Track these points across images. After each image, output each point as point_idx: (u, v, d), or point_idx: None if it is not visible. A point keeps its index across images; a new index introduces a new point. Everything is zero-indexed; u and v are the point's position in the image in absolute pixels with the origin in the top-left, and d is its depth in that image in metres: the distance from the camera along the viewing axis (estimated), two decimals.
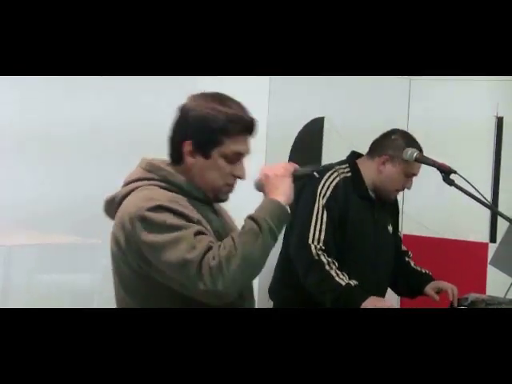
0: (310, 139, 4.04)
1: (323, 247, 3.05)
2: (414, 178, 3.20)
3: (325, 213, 3.10)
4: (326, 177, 3.16)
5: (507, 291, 3.38)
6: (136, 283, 2.05)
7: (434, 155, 3.06)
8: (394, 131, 3.19)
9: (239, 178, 2.11)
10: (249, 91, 2.81)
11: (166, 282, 1.98)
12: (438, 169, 2.92)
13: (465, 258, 3.90)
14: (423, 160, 3.04)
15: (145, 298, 2.05)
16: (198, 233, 1.97)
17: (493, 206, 3.53)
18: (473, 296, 3.21)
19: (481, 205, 2.85)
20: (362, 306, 2.93)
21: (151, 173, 2.11)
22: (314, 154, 4.04)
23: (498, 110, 3.88)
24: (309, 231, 3.08)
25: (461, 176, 2.82)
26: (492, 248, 3.87)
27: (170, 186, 2.08)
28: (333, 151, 4.04)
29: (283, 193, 2.03)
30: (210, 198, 2.14)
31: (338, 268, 3.02)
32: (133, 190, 2.07)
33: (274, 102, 3.74)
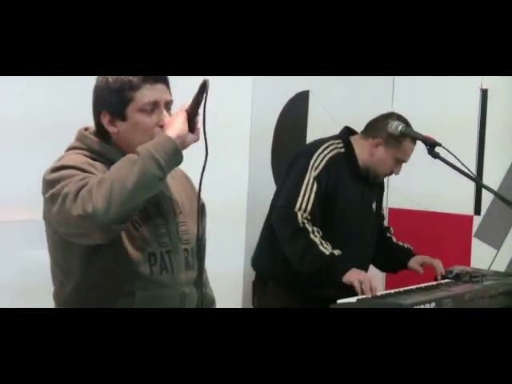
0: (295, 113, 4.03)
1: (309, 217, 3.06)
2: None
3: (315, 185, 3.11)
4: (320, 149, 3.17)
5: (491, 263, 3.40)
6: (57, 248, 2.08)
7: (418, 128, 3.07)
8: (390, 114, 3.19)
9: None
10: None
11: (62, 229, 2.00)
12: (422, 142, 2.94)
13: (450, 230, 3.92)
14: (408, 133, 3.06)
15: (62, 262, 2.08)
16: (87, 177, 1.96)
17: (477, 179, 3.55)
18: (457, 268, 3.23)
19: (465, 177, 2.87)
20: (343, 279, 2.95)
21: (79, 142, 2.12)
22: (299, 128, 4.03)
23: (483, 82, 3.88)
24: (296, 200, 3.08)
25: (445, 149, 2.83)
26: (477, 220, 3.89)
27: (95, 155, 2.08)
28: (318, 125, 4.03)
29: (174, 127, 1.98)
30: None
31: (322, 237, 3.03)
32: (60, 159, 2.08)
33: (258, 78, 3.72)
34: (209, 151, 2.04)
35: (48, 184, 2.01)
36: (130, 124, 2.07)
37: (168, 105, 2.11)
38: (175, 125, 1.99)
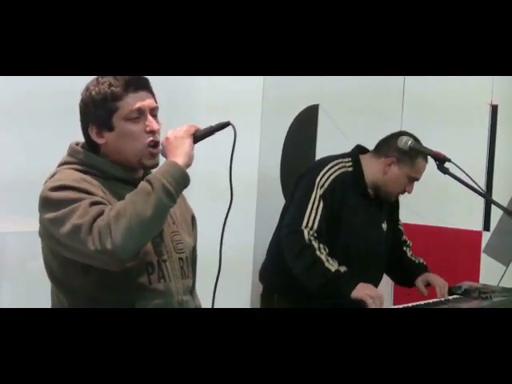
0: (304, 127, 4.03)
1: (315, 234, 3.06)
2: None
3: (321, 203, 3.10)
4: (326, 168, 3.17)
5: (500, 279, 3.38)
6: (54, 264, 2.08)
7: (427, 144, 3.06)
8: (402, 133, 3.18)
9: (153, 131, 2.10)
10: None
11: (71, 256, 2.00)
12: (432, 157, 2.93)
13: (458, 246, 3.90)
14: (418, 148, 3.04)
15: (60, 279, 2.08)
16: (95, 203, 1.98)
17: (487, 195, 3.53)
18: (466, 284, 3.22)
19: (475, 193, 2.86)
20: (352, 295, 2.94)
21: (71, 157, 2.13)
22: (308, 141, 4.04)
23: (493, 97, 3.87)
24: (303, 218, 3.08)
25: (455, 164, 2.82)
26: (486, 236, 3.87)
27: (88, 168, 2.10)
28: (327, 139, 4.03)
29: (181, 154, 2.02)
30: (135, 178, 2.13)
31: (329, 254, 3.03)
32: (54, 175, 2.09)
33: (268, 84, 3.73)
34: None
35: (48, 204, 2.01)
36: (117, 133, 2.09)
37: (153, 111, 2.13)
38: (183, 151, 2.03)
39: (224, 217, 2.10)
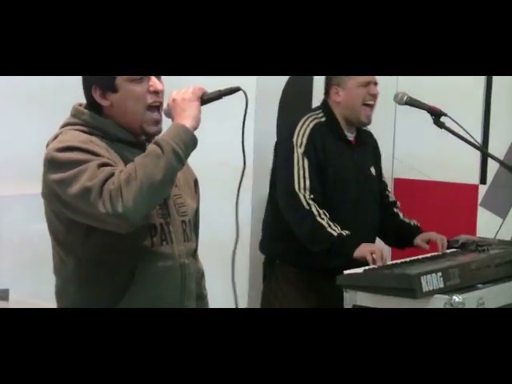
0: (300, 82, 4.01)
1: (312, 196, 3.07)
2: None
3: (305, 160, 3.12)
4: (299, 125, 3.18)
5: (497, 232, 3.41)
6: (57, 225, 2.09)
7: (423, 97, 3.06)
8: None
9: (156, 92, 2.09)
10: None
11: (77, 218, 2.00)
12: (428, 111, 2.93)
13: (455, 199, 3.92)
14: (414, 103, 3.04)
15: (63, 240, 2.09)
16: (103, 164, 1.98)
17: (483, 148, 3.54)
18: (463, 237, 3.24)
19: (471, 147, 2.86)
20: (355, 254, 2.96)
21: (75, 117, 2.13)
22: (304, 96, 4.02)
23: None
24: (294, 180, 3.09)
25: (451, 118, 2.82)
26: (482, 189, 3.89)
27: (92, 129, 2.09)
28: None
29: (190, 116, 2.02)
30: (139, 140, 2.13)
31: (330, 218, 3.04)
32: (57, 136, 2.09)
33: None
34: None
35: (54, 165, 2.00)
36: (121, 95, 2.09)
37: None
38: (191, 114, 2.02)
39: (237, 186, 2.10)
